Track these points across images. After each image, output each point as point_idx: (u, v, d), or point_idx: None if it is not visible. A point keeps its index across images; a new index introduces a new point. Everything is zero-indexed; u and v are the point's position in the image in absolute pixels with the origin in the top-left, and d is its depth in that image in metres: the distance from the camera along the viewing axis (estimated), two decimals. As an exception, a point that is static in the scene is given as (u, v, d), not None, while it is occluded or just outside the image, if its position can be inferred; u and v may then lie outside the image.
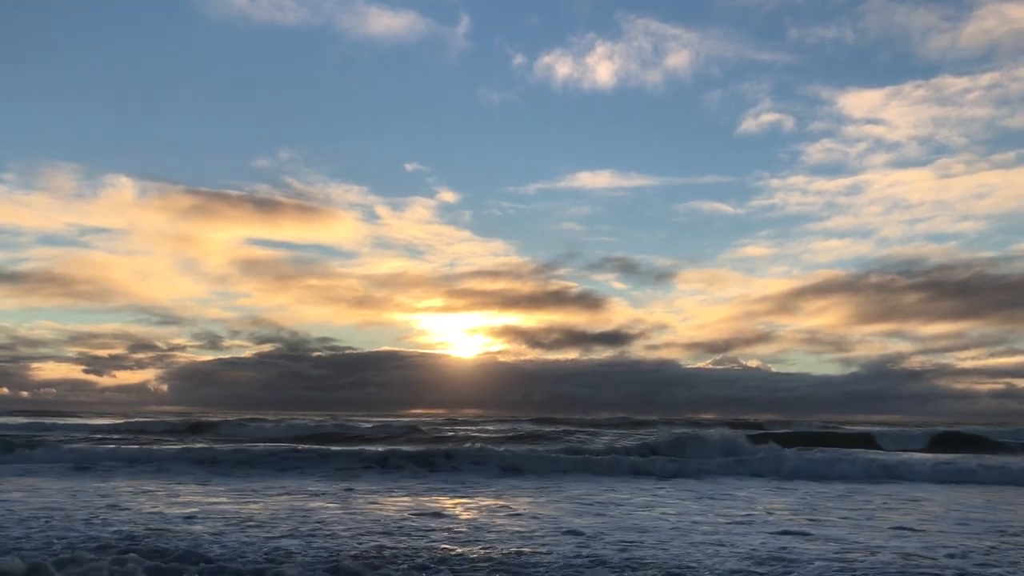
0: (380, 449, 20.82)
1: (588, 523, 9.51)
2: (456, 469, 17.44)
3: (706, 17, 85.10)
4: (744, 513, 10.60)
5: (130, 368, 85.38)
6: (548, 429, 37.98)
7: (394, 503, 11.52)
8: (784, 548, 7.86)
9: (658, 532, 8.84)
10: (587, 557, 7.30)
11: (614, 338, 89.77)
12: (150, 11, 77.34)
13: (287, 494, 12.52)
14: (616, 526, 9.28)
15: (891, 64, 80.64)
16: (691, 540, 8.28)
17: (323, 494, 12.60)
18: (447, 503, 11.56)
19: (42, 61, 75.15)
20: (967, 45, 75.41)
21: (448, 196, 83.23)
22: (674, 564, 7.02)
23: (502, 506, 11.20)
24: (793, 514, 10.57)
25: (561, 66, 79.75)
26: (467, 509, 10.89)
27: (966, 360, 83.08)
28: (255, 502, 11.40)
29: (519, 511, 10.60)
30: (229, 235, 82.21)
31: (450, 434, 33.00)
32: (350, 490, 13.24)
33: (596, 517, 10.08)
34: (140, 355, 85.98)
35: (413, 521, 9.60)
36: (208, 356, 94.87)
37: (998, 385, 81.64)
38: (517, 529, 8.97)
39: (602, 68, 79.66)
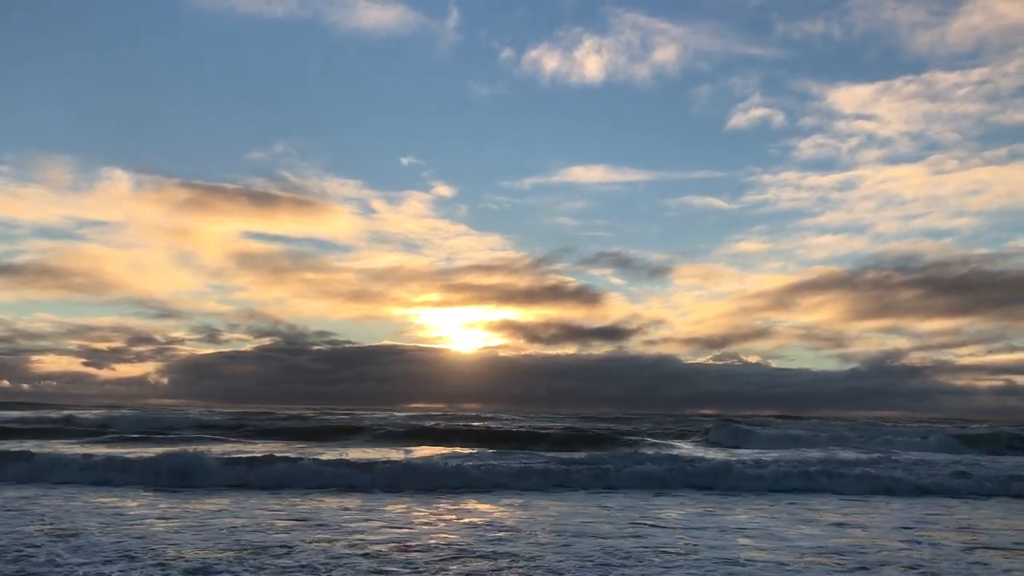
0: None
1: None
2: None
3: (693, 11, 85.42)
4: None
5: (130, 361, 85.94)
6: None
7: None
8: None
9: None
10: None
11: (612, 333, 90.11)
12: (142, 3, 77.58)
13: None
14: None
15: (880, 59, 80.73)
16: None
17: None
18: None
19: (36, 55, 75.90)
20: (955, 41, 75.36)
21: (443, 190, 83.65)
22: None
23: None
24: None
25: (549, 60, 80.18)
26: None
27: (965, 357, 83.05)
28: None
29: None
30: (225, 228, 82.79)
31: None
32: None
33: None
34: (140, 348, 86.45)
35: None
36: (208, 349, 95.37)
37: (998, 382, 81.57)
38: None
39: (590, 62, 79.95)
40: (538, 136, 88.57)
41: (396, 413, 58.46)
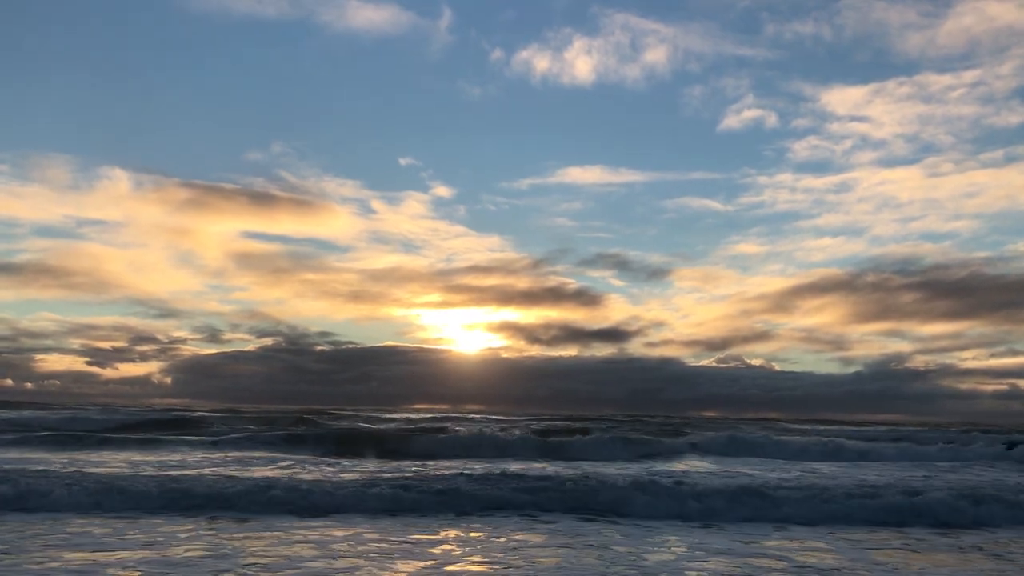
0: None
1: None
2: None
3: (682, 11, 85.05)
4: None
5: (133, 361, 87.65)
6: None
7: None
8: None
9: None
10: None
11: (613, 335, 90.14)
12: (139, 4, 79.06)
13: None
14: None
15: (872, 61, 79.96)
16: None
17: None
18: None
19: (36, 55, 77.75)
20: (947, 43, 74.33)
21: (442, 191, 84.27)
22: None
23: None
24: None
25: (539, 61, 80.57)
26: None
27: (968, 360, 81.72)
28: None
29: None
30: (224, 228, 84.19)
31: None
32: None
33: None
34: (142, 348, 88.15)
35: None
36: (210, 349, 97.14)
37: (1002, 386, 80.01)
38: None
39: (580, 63, 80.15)
40: (533, 137, 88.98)
41: (391, 415, 59.23)
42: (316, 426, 33.65)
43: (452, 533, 9.68)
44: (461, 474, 13.89)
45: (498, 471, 14.99)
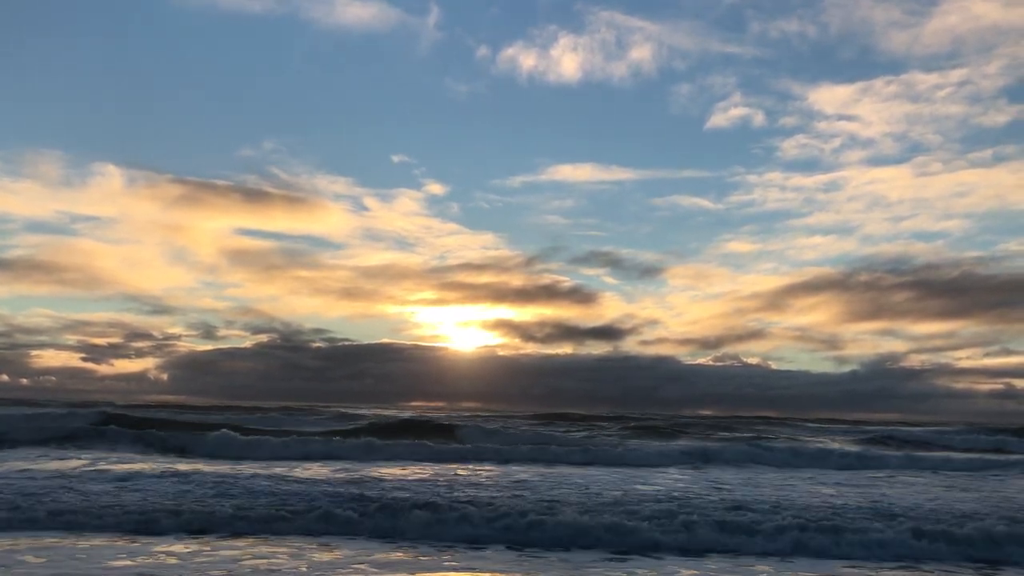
0: None
1: None
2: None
3: (668, 9, 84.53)
4: None
5: (129, 357, 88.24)
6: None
7: None
8: None
9: None
10: None
11: (607, 332, 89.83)
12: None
13: None
14: None
15: (858, 59, 79.41)
16: None
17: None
18: None
19: (27, 51, 78.87)
20: (932, 41, 73.58)
21: (435, 188, 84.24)
22: None
23: None
24: None
25: (525, 58, 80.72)
26: None
27: (962, 360, 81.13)
28: None
29: None
30: (217, 225, 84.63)
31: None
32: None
33: None
34: (138, 344, 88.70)
35: None
36: (206, 346, 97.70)
37: (998, 385, 79.30)
38: None
39: (567, 60, 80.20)
40: (523, 134, 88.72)
41: (382, 411, 59.29)
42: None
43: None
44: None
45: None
